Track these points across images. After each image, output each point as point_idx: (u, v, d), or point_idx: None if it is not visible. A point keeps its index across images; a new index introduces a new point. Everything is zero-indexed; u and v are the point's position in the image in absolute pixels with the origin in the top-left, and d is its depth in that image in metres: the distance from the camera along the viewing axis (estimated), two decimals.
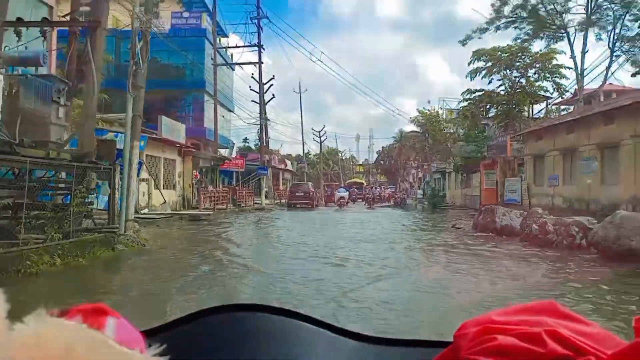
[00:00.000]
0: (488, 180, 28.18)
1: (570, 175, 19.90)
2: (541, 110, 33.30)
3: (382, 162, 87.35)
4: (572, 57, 25.72)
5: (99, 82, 9.60)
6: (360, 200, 45.44)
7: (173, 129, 22.69)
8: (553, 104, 34.19)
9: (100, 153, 9.34)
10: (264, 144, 31.72)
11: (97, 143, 9.74)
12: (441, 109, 47.38)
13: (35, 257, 7.33)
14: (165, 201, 21.27)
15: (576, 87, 27.15)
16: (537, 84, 30.51)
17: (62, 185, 9.05)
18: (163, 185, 22.01)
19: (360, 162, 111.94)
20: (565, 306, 0.55)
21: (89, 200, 9.28)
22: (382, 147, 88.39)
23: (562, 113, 31.33)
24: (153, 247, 10.78)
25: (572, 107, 29.69)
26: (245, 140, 56.45)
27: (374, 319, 5.40)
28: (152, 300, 6.33)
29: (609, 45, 24.50)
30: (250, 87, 31.35)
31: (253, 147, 53.35)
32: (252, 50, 29.92)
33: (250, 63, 29.61)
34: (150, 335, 0.70)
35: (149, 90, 12.79)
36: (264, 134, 31.04)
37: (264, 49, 28.99)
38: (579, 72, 25.36)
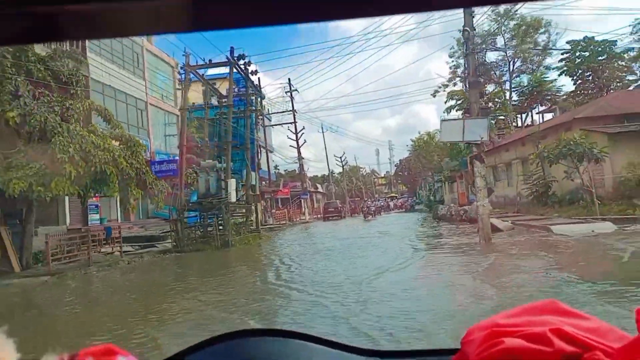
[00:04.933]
0: (462, 187, 42.37)
1: (496, 181, 34.08)
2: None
3: (400, 173, 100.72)
4: (505, 100, 39.98)
5: (249, 171, 24.54)
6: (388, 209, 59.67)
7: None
8: (537, 113, 47.80)
9: (253, 200, 24.14)
10: (304, 174, 46.76)
11: (252, 195, 24.65)
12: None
13: (247, 240, 22.14)
14: None
15: None
16: (497, 112, 44.65)
17: (242, 212, 23.81)
18: None
19: (382, 175, 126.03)
20: (565, 304, 0.59)
21: (251, 219, 24.14)
22: (400, 160, 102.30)
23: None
24: (271, 239, 25.45)
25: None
26: (276, 167, 71.89)
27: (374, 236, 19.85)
28: (288, 239, 21.03)
29: (510, 95, 38.78)
30: (287, 136, 46.53)
31: (282, 172, 68.38)
32: (287, 112, 45.09)
33: (287, 123, 45.00)
34: None
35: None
36: (302, 169, 46.20)
37: (296, 112, 44.21)
38: (509, 112, 39.57)
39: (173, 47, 71.90)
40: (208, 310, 8.18)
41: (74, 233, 17.55)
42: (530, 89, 34.14)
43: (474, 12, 14.76)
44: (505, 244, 13.87)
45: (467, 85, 15.79)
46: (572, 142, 18.25)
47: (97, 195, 18.61)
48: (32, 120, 14.87)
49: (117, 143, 18.56)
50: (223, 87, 29.67)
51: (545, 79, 34.91)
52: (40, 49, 18.44)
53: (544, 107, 37.69)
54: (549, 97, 35.70)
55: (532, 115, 45.80)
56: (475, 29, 15.31)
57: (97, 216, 25.90)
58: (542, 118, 44.50)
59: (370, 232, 23.37)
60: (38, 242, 17.19)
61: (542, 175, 24.06)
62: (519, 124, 42.94)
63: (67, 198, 22.24)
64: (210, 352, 0.81)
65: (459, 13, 15.35)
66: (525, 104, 38.45)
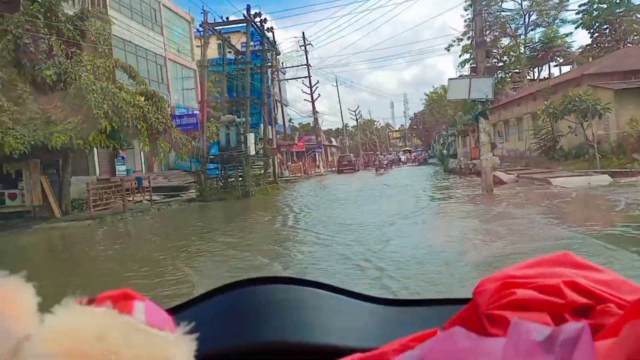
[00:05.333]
0: (474, 141, 43.16)
1: (507, 135, 34.85)
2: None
3: (415, 127, 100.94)
4: (520, 54, 40.06)
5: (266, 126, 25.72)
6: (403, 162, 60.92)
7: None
8: (554, 66, 47.49)
9: (270, 153, 25.43)
10: (319, 128, 47.82)
11: (269, 148, 25.93)
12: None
13: (266, 190, 23.61)
14: None
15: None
16: (511, 66, 44.74)
17: (260, 164, 25.19)
18: None
19: (397, 128, 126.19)
20: (579, 256, 0.58)
21: (269, 171, 25.54)
22: (414, 113, 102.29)
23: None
24: (288, 189, 26.90)
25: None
26: (290, 121, 72.94)
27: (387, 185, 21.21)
28: (304, 190, 22.50)
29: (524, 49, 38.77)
30: (302, 90, 47.31)
31: (297, 126, 69.55)
32: (301, 65, 45.68)
33: (301, 77, 45.68)
34: (176, 313, 0.77)
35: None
36: (317, 123, 47.17)
37: (311, 66, 44.81)
38: (523, 66, 39.72)
39: (187, 2, 71.77)
40: (231, 251, 9.45)
41: (106, 182, 19.09)
42: (541, 45, 34.28)
43: None
44: (505, 194, 15.07)
45: (474, 45, 16.58)
46: (576, 99, 19.04)
47: (126, 148, 19.97)
48: (67, 78, 16.10)
49: (142, 98, 19.75)
50: (237, 40, 30.52)
51: (557, 35, 34.91)
52: (67, 8, 19.42)
53: (554, 63, 37.88)
54: (559, 53, 35.81)
55: (549, 68, 45.78)
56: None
57: (124, 167, 27.48)
58: (560, 70, 44.52)
59: (381, 185, 24.67)
60: (72, 191, 18.80)
61: (550, 130, 24.86)
62: (535, 77, 43.05)
63: (95, 150, 23.76)
64: (223, 298, 0.86)
65: None
66: (536, 60, 38.57)
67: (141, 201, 20.38)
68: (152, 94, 19.55)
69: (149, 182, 19.89)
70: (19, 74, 16.66)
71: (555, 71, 45.74)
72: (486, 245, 7.97)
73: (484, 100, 15.31)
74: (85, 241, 12.53)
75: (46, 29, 17.09)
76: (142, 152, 28.10)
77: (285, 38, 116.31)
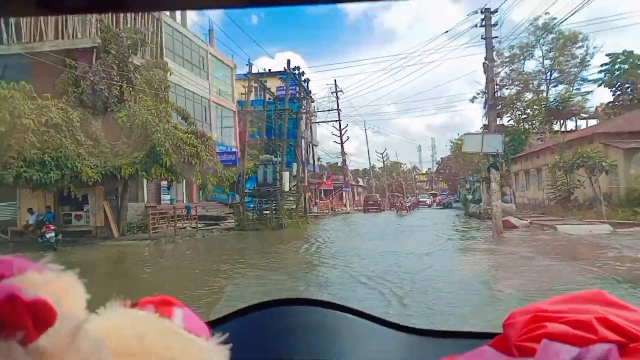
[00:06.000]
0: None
1: (528, 184, 36.65)
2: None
3: (442, 171, 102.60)
4: (542, 109, 42.26)
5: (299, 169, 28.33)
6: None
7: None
8: (580, 119, 49.16)
9: (302, 190, 27.97)
10: (346, 169, 50.53)
11: (301, 186, 28.48)
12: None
13: (297, 223, 25.98)
14: None
15: None
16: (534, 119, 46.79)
17: (293, 200, 27.65)
18: None
19: (424, 172, 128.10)
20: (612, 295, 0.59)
21: (300, 206, 27.98)
22: (441, 157, 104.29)
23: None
24: (318, 224, 29.17)
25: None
26: (319, 159, 76.09)
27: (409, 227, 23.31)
28: (332, 225, 24.76)
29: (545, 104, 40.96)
30: (332, 132, 50.33)
31: (324, 165, 72.29)
32: (332, 110, 48.86)
33: (331, 121, 48.90)
34: (212, 326, 0.78)
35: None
36: (345, 163, 49.94)
37: (340, 110, 48.03)
38: (544, 120, 41.81)
39: (227, 49, 76.75)
40: (268, 273, 11.28)
41: (159, 209, 21.79)
42: (556, 104, 36.50)
43: (494, 47, 17.96)
44: (513, 237, 17.05)
45: (487, 107, 18.92)
46: (584, 155, 21.03)
47: (181, 180, 22.77)
48: (135, 120, 19.02)
49: (192, 137, 22.54)
50: (272, 84, 33.64)
51: (572, 95, 37.13)
52: (135, 59, 22.63)
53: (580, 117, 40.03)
54: (575, 111, 37.85)
55: (576, 121, 47.55)
56: (495, 61, 18.37)
57: (168, 197, 30.27)
58: (587, 124, 46.19)
59: (403, 225, 26.77)
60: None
61: (566, 182, 26.70)
62: (560, 128, 44.86)
63: (145, 180, 26.65)
64: (247, 319, 0.88)
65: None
66: (556, 115, 40.66)
67: (185, 228, 22.93)
68: (201, 134, 22.38)
69: (196, 211, 22.49)
70: (93, 114, 19.73)
71: (582, 124, 47.76)
72: (474, 273, 10.11)
73: (495, 154, 17.48)
74: (154, 257, 15.08)
75: (118, 77, 20.21)
76: (184, 184, 30.98)
77: (317, 85, 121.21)
